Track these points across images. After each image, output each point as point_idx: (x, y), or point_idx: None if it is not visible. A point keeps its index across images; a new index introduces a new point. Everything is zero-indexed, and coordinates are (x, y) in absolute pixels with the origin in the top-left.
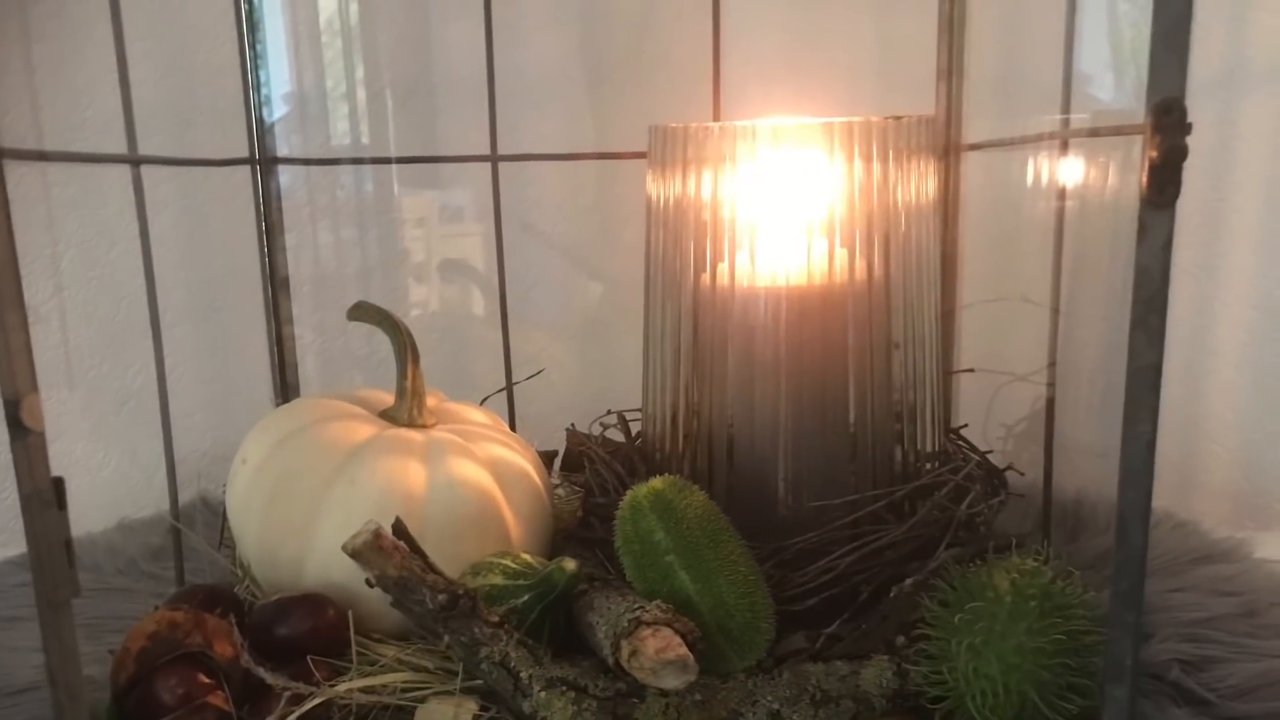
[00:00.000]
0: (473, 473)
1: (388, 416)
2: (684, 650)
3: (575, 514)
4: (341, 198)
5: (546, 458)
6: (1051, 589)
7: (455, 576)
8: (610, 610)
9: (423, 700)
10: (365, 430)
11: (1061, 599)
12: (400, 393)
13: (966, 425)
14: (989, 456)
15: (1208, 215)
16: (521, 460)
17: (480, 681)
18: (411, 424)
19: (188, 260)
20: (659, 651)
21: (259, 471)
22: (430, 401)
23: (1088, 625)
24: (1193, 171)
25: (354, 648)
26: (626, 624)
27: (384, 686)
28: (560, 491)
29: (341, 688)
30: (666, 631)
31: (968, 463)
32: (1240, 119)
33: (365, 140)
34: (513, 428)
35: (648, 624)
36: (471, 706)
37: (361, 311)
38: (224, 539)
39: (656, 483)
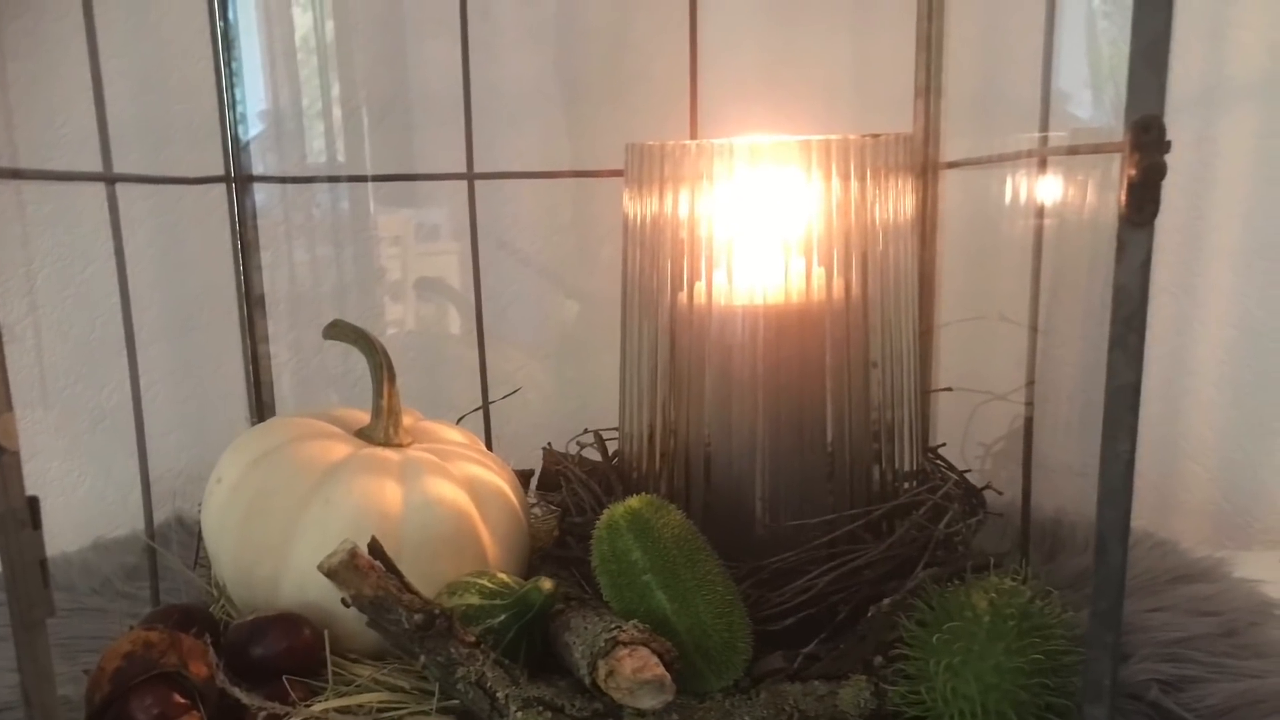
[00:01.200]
0: (449, 492)
1: (364, 435)
2: (661, 670)
3: (552, 533)
4: (317, 216)
5: (523, 477)
6: (1030, 609)
7: (431, 596)
8: (587, 630)
9: None
10: (341, 449)
11: (1040, 619)
12: (376, 412)
13: (945, 444)
14: (967, 475)
15: (1187, 234)
16: (498, 479)
17: (456, 701)
18: (387, 443)
19: (163, 279)
20: (636, 671)
21: (234, 491)
22: (406, 420)
23: (1066, 645)
24: (1171, 190)
25: (330, 667)
26: (603, 644)
27: (360, 706)
28: (537, 511)
29: (317, 708)
30: (643, 651)
31: (946, 482)
32: (1219, 137)
33: (341, 158)
34: (489, 447)
35: (625, 644)
36: None
37: (339, 330)
38: (199, 558)
39: (633, 502)
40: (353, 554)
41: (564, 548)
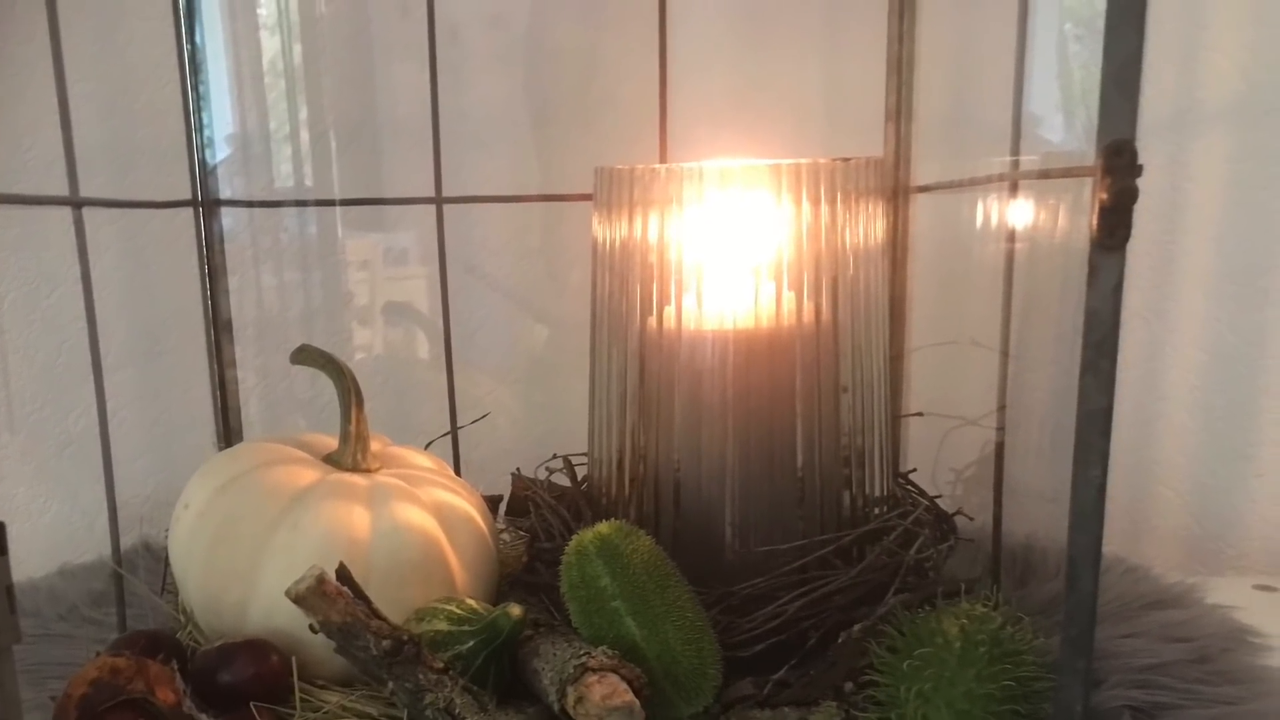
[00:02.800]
0: (417, 518)
1: (331, 461)
2: (630, 697)
3: (521, 559)
4: (285, 240)
5: (491, 502)
6: (1001, 635)
7: (400, 622)
8: (556, 656)
9: None
10: (309, 475)
11: (1011, 645)
12: (344, 437)
13: (915, 470)
14: (938, 501)
15: (1159, 258)
16: (466, 505)
17: None
18: (355, 468)
19: (129, 303)
20: (605, 698)
21: (201, 517)
22: (374, 446)
23: (1038, 671)
24: (1143, 214)
25: (297, 694)
26: (572, 670)
27: None
28: (505, 536)
29: None
30: (613, 678)
31: (916, 507)
32: (1191, 160)
33: (309, 182)
34: (458, 472)
35: (594, 670)
36: None
37: (305, 355)
38: (166, 584)
39: (603, 528)
40: (321, 580)
41: (533, 573)
